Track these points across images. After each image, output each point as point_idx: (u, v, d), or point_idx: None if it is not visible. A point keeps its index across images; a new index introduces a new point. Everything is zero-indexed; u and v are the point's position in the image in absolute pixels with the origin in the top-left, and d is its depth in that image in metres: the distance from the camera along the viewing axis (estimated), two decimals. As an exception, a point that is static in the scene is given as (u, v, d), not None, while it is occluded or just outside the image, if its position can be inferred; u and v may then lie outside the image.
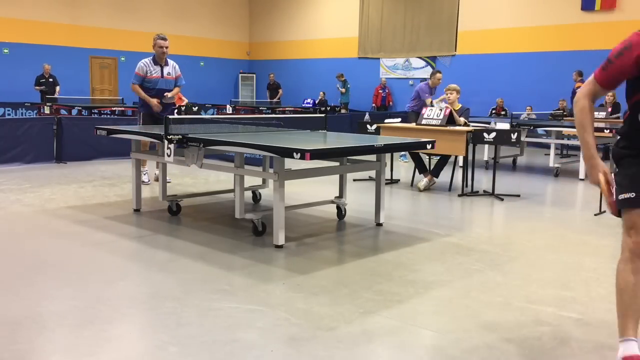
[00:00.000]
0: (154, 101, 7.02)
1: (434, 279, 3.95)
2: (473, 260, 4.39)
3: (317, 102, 18.25)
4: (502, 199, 6.93)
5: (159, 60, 7.13)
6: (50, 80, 15.63)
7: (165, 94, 7.18)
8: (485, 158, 10.44)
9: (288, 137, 5.30)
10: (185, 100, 15.63)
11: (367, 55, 19.51)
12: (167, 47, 7.08)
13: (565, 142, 10.21)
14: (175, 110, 7.27)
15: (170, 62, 7.26)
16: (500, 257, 4.49)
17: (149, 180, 7.36)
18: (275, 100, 19.20)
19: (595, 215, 6.14)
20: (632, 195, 2.62)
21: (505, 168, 9.90)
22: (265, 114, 16.29)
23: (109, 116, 13.03)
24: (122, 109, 14.05)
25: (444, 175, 7.79)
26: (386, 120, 8.65)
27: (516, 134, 7.05)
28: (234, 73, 22.70)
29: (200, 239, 4.84)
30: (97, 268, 4.04)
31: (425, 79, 10.58)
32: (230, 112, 17.03)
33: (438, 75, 10.24)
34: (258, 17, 22.79)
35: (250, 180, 6.13)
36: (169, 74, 7.19)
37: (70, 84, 16.34)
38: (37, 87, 15.51)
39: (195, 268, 4.04)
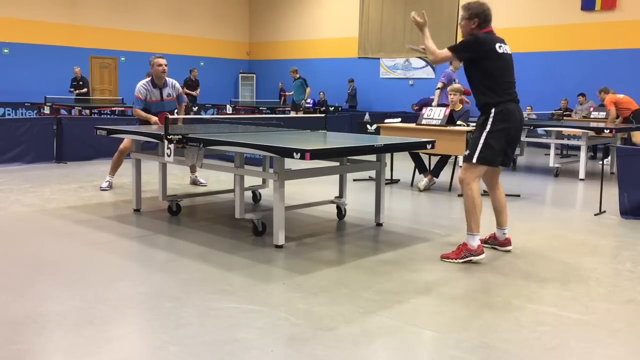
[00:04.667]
0: (154, 118, 6.69)
1: (434, 279, 3.95)
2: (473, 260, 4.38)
3: (317, 102, 18.25)
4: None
5: (158, 81, 6.77)
6: (81, 83, 15.98)
7: (176, 112, 7.03)
8: (485, 158, 10.41)
9: (288, 137, 5.29)
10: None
11: (367, 55, 19.51)
12: (166, 66, 6.73)
13: (565, 142, 10.21)
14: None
15: (170, 81, 6.89)
16: (500, 257, 4.49)
17: (107, 187, 7.03)
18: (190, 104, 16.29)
19: (595, 215, 6.14)
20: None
21: (505, 168, 9.88)
22: (265, 114, 16.30)
23: (109, 116, 13.04)
24: (122, 109, 14.06)
25: (444, 175, 7.79)
26: (386, 120, 8.65)
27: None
28: (234, 73, 22.71)
29: (200, 239, 4.84)
30: (97, 268, 4.04)
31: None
32: (230, 112, 17.03)
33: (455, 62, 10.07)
34: (258, 17, 22.79)
35: (250, 180, 6.14)
36: (169, 95, 6.85)
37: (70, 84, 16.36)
38: (71, 90, 16.08)
39: (195, 268, 4.04)
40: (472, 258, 4.24)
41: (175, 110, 7.13)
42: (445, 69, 10.20)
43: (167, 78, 6.89)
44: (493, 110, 4.23)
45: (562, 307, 3.46)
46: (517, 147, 4.64)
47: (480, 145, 4.26)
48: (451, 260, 4.27)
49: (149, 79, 6.85)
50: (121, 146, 6.97)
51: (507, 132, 4.28)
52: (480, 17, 4.34)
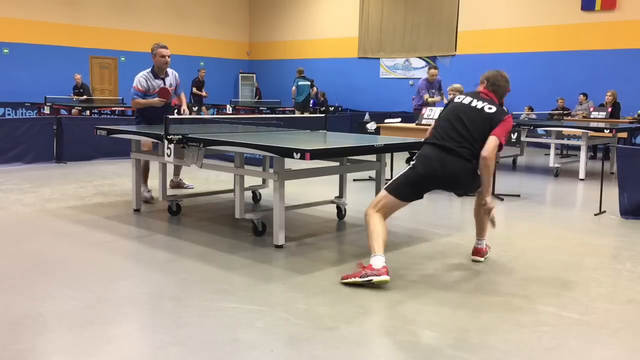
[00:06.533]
0: (157, 99, 6.38)
1: (434, 279, 3.95)
2: (471, 262, 4.38)
3: (317, 102, 18.25)
4: (502, 199, 6.92)
5: (160, 72, 6.45)
6: (81, 90, 16.05)
7: (182, 109, 6.77)
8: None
9: (288, 137, 5.30)
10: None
11: (367, 55, 19.50)
12: (169, 57, 6.40)
13: (565, 142, 10.20)
14: (176, 111, 6.91)
15: (170, 71, 6.57)
16: (500, 257, 4.49)
17: (149, 197, 6.41)
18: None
19: (595, 215, 6.14)
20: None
21: (505, 168, 9.89)
22: (265, 114, 16.29)
23: (109, 116, 13.04)
24: (122, 109, 14.05)
25: (444, 175, 7.77)
26: (386, 120, 8.65)
27: (516, 134, 7.05)
28: (234, 73, 22.70)
29: (200, 239, 4.84)
30: (97, 268, 4.04)
31: (429, 69, 10.69)
32: (230, 112, 17.03)
33: (432, 71, 10.36)
34: (258, 17, 22.78)
35: (250, 180, 6.13)
36: (170, 85, 6.52)
37: (70, 84, 16.35)
38: (71, 96, 16.18)
39: (195, 268, 4.04)
40: (372, 278, 3.69)
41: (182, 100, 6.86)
42: (422, 81, 10.42)
43: (167, 69, 6.57)
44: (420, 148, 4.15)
45: (562, 307, 3.46)
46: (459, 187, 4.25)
47: (397, 176, 4.10)
48: (351, 280, 3.76)
49: (149, 69, 6.49)
50: (144, 149, 6.35)
51: (415, 170, 4.02)
52: (489, 80, 4.26)
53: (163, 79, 6.51)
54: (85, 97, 15.89)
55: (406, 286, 3.77)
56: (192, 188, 7.21)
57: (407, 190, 4.05)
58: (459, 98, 4.22)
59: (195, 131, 5.39)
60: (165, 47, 6.46)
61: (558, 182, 8.54)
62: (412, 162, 4.11)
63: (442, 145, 4.01)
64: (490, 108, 4.08)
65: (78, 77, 16.09)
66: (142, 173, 6.31)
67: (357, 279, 3.74)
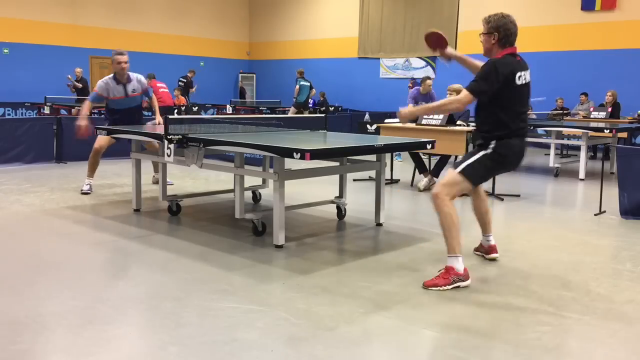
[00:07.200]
0: (84, 122, 6.41)
1: (434, 279, 3.95)
2: (473, 260, 4.38)
3: (317, 102, 18.25)
4: (502, 199, 6.92)
5: (120, 78, 6.62)
6: (80, 85, 16.07)
7: (156, 122, 6.93)
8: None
9: (288, 137, 5.29)
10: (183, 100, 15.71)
11: (367, 55, 19.50)
12: (126, 63, 6.56)
13: (565, 142, 10.21)
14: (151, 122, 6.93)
15: (134, 76, 6.73)
16: (500, 257, 4.48)
17: (89, 190, 6.76)
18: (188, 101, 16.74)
19: (595, 215, 6.14)
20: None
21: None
22: (265, 114, 16.30)
23: (109, 116, 13.01)
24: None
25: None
26: (386, 120, 8.66)
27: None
28: (234, 73, 22.70)
29: (200, 239, 4.84)
30: (97, 268, 4.04)
31: (424, 79, 10.61)
32: (231, 112, 17.05)
33: (428, 81, 10.23)
34: (258, 17, 22.79)
35: (250, 180, 6.13)
36: (134, 90, 6.70)
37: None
38: (73, 90, 16.24)
39: (195, 268, 4.04)
40: (460, 284, 3.67)
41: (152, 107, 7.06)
42: (414, 90, 10.28)
43: (130, 73, 6.71)
44: (494, 143, 3.88)
45: (562, 307, 3.46)
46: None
47: (472, 160, 3.88)
48: (439, 288, 3.67)
49: (112, 75, 6.67)
50: (96, 145, 6.71)
51: (502, 162, 3.96)
52: (500, 31, 3.81)
53: (124, 85, 6.69)
54: (81, 86, 15.88)
55: (406, 286, 3.77)
56: (172, 185, 7.25)
57: (485, 180, 4.09)
58: (520, 78, 3.78)
59: (195, 131, 5.40)
60: (121, 54, 6.65)
61: (558, 182, 8.54)
62: (492, 147, 3.85)
63: (521, 132, 4.00)
64: (529, 81, 3.93)
65: (79, 71, 16.10)
66: (91, 164, 6.78)
67: (447, 287, 3.65)
